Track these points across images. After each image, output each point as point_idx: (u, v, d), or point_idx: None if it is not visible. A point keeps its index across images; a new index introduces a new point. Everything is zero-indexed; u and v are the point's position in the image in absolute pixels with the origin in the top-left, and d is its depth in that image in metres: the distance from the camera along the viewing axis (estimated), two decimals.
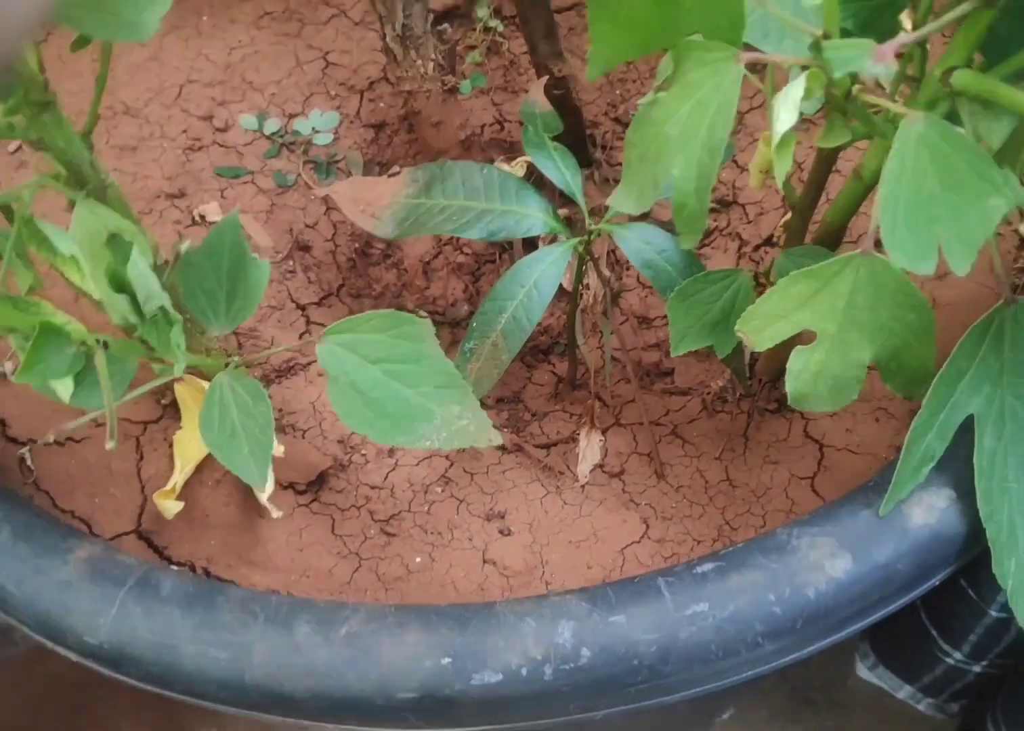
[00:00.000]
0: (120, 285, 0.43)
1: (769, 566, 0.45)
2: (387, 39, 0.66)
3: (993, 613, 0.59)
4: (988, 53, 0.40)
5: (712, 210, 0.74)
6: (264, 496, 0.57)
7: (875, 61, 0.31)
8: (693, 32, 0.41)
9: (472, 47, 0.79)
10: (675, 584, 0.45)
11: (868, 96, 0.37)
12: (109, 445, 0.37)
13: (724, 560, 0.46)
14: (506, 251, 0.73)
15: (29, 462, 0.60)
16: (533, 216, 0.58)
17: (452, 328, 0.72)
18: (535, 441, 0.64)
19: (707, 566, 0.45)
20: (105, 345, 0.41)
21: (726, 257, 0.70)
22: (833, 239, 0.51)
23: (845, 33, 0.39)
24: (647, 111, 0.43)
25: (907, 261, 0.35)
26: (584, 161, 0.75)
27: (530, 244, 0.70)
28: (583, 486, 0.61)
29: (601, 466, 0.62)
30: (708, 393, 0.64)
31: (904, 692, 0.77)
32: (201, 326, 0.50)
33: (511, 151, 0.74)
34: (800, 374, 0.46)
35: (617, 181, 0.76)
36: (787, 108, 0.40)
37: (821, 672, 0.86)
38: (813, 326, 0.45)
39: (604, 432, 0.64)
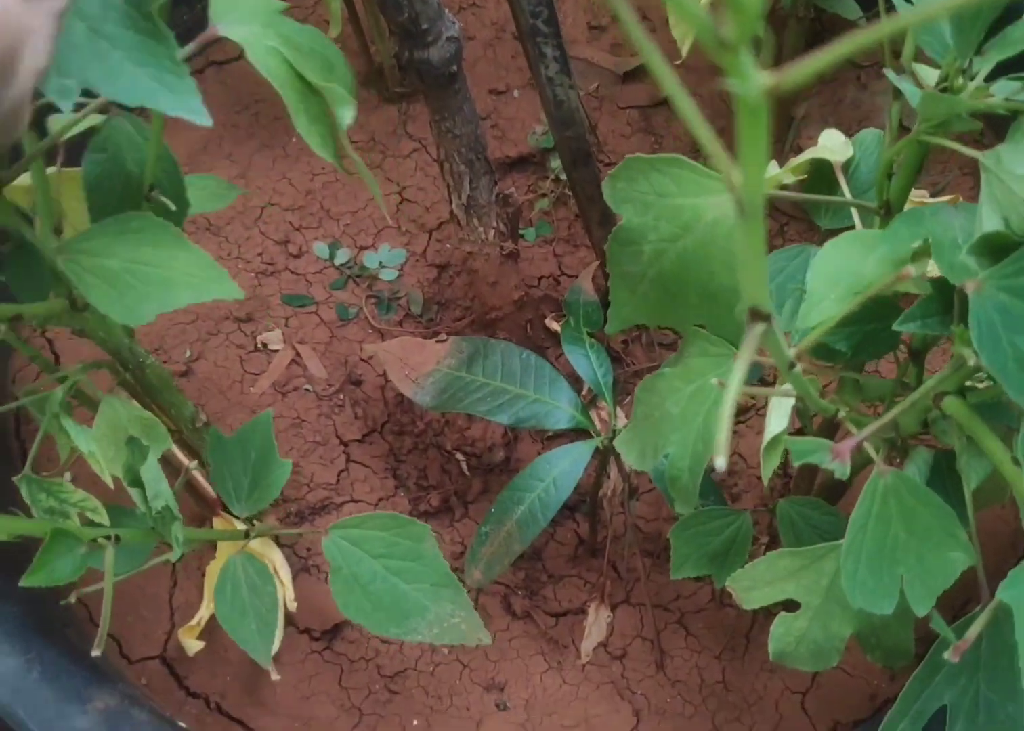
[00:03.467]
0: (135, 480, 0.47)
1: None
2: (453, 206, 0.69)
3: None
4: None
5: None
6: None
7: (832, 458, 0.33)
8: (698, 322, 0.43)
9: (543, 195, 0.82)
10: None
11: (850, 426, 0.38)
12: (95, 652, 0.41)
13: None
14: None
15: None
16: (563, 410, 0.60)
17: (485, 474, 0.75)
18: (546, 607, 0.67)
19: None
20: (117, 539, 0.45)
21: (758, 439, 0.71)
22: (836, 494, 0.52)
23: (839, 354, 0.40)
24: (654, 381, 0.45)
25: (865, 602, 0.37)
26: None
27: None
28: (584, 665, 0.63)
29: (605, 645, 0.65)
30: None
31: None
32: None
33: (562, 309, 0.76)
34: (783, 637, 0.48)
35: (662, 345, 0.78)
36: (778, 416, 0.42)
37: None
38: (797, 597, 0.46)
39: (613, 609, 0.66)
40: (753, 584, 0.47)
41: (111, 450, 0.47)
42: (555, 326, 0.77)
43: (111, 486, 0.48)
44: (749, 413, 0.74)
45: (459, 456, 0.74)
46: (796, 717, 0.59)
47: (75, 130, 0.40)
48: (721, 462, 0.21)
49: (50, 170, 0.41)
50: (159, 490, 0.47)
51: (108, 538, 0.45)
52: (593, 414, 0.66)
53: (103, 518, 0.47)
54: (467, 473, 0.74)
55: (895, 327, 0.36)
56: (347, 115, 0.39)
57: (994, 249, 0.32)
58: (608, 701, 0.61)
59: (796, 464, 0.35)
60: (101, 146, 0.42)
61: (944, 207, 0.38)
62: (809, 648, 0.48)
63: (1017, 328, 0.31)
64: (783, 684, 0.61)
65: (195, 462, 0.50)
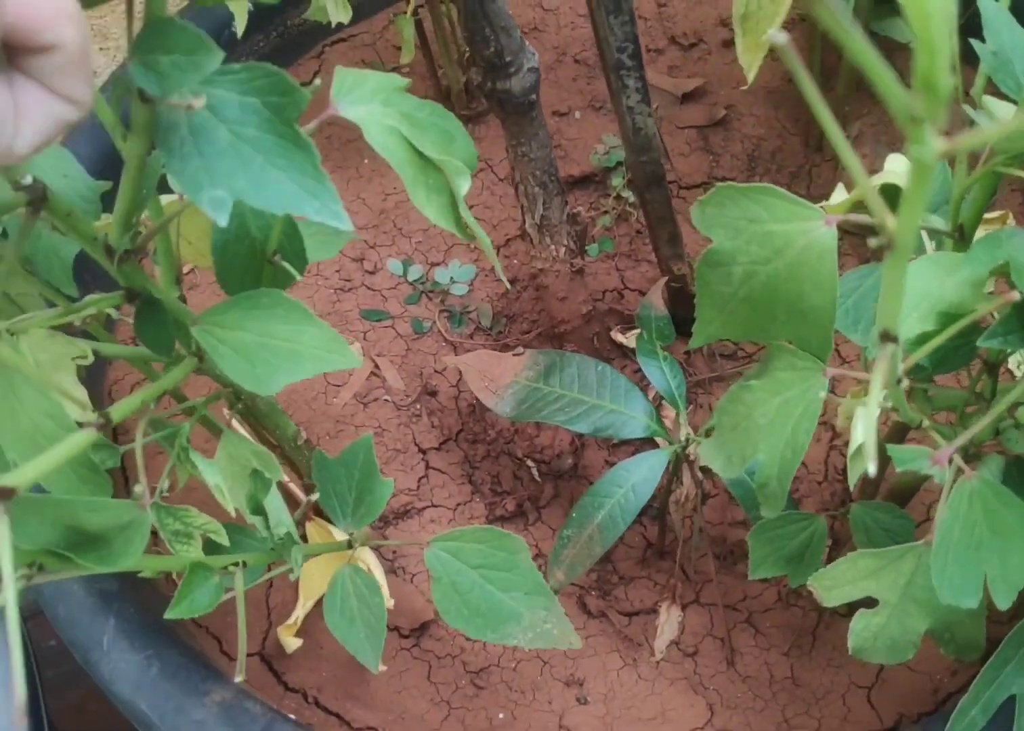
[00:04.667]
0: (257, 508, 0.51)
1: None
2: (526, 225, 0.73)
3: None
4: None
5: None
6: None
7: (932, 464, 0.36)
8: (786, 338, 0.46)
9: (604, 212, 0.86)
10: None
11: (935, 436, 0.42)
12: (238, 678, 0.44)
13: None
14: None
15: None
16: (638, 419, 0.64)
17: (556, 480, 0.78)
18: (619, 607, 0.70)
19: None
20: (244, 565, 0.49)
21: (819, 447, 0.75)
22: (905, 497, 0.56)
23: (921, 369, 0.44)
24: (740, 392, 0.48)
25: (953, 597, 0.40)
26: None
27: None
28: (658, 662, 0.67)
29: (677, 643, 0.68)
30: (785, 585, 0.68)
31: None
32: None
33: (627, 321, 0.80)
34: (861, 632, 0.51)
35: (723, 355, 0.82)
36: (864, 427, 0.45)
37: None
38: (877, 595, 0.50)
39: (684, 608, 0.69)
40: (835, 583, 0.50)
41: (229, 481, 0.50)
42: (620, 338, 0.80)
43: (233, 515, 0.52)
44: None
45: (530, 463, 0.78)
46: (862, 710, 0.62)
47: None
48: (872, 467, 0.24)
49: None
50: (281, 519, 0.51)
51: (236, 564, 0.49)
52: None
53: (224, 540, 0.50)
54: (538, 479, 0.77)
55: (979, 343, 0.40)
56: (464, 186, 0.41)
57: None
58: (683, 695, 0.65)
59: (899, 470, 0.38)
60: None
61: (1019, 231, 0.41)
62: (886, 643, 0.51)
63: None
64: (849, 679, 0.64)
65: (315, 496, 0.54)
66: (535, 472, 0.78)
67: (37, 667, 0.66)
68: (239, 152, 0.32)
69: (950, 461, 0.38)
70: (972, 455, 0.49)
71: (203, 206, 0.32)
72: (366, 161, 0.90)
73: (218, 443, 0.52)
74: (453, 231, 0.42)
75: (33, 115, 0.28)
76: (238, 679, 0.43)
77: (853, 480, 0.45)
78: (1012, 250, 0.41)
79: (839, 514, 0.57)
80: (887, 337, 0.26)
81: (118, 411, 0.38)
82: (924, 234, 0.50)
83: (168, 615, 0.44)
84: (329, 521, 0.67)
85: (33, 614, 0.86)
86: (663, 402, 0.78)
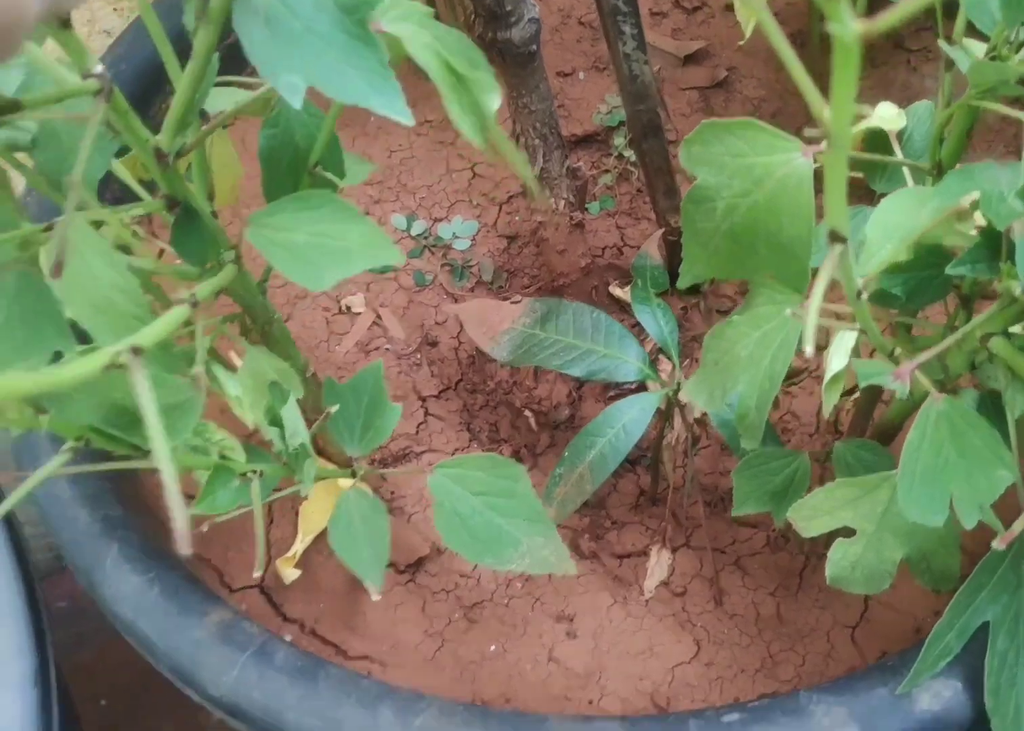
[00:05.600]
0: (274, 420, 0.53)
1: (787, 725, 0.52)
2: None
3: None
4: None
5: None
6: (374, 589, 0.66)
7: (894, 380, 0.37)
8: (767, 272, 0.48)
9: (606, 171, 0.87)
10: (704, 727, 0.52)
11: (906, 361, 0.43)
12: (256, 573, 0.46)
13: (749, 713, 0.52)
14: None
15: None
16: (630, 363, 0.65)
17: (552, 430, 0.80)
18: (611, 550, 0.72)
19: (734, 716, 0.52)
20: (260, 473, 0.51)
21: (811, 400, 0.76)
22: (888, 436, 0.57)
23: (895, 299, 0.45)
24: (723, 328, 0.50)
25: (919, 516, 0.42)
26: (693, 291, 0.82)
27: None
28: (647, 601, 0.69)
29: (666, 583, 0.70)
30: (773, 530, 0.70)
31: None
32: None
33: (626, 276, 0.82)
34: (839, 562, 0.53)
35: (719, 311, 0.83)
36: (839, 355, 0.47)
37: None
38: (854, 524, 0.51)
39: (674, 551, 0.71)
40: (813, 513, 0.52)
41: (251, 396, 0.53)
42: (619, 292, 0.82)
43: (251, 427, 0.54)
44: (802, 375, 0.79)
45: (527, 413, 0.80)
46: (846, 647, 0.64)
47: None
48: (810, 349, 0.26)
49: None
50: (297, 429, 0.53)
51: (254, 472, 0.51)
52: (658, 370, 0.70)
53: (240, 456, 0.52)
54: (535, 429, 0.79)
55: (947, 271, 0.41)
56: (494, 101, 0.42)
57: None
58: (670, 632, 0.67)
59: (861, 384, 0.40)
60: (274, 122, 0.48)
61: (992, 165, 0.43)
62: (863, 572, 0.53)
63: None
64: (834, 618, 0.65)
65: (335, 407, 0.56)
66: (532, 422, 0.80)
67: (49, 629, 0.68)
68: (312, 45, 0.34)
69: (915, 382, 0.39)
70: (949, 390, 0.51)
71: (279, 89, 0.34)
72: (372, 119, 0.92)
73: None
74: (482, 147, 0.43)
75: None
76: (256, 574, 0.46)
77: (828, 409, 0.46)
78: (983, 181, 0.42)
79: (823, 454, 0.59)
80: (836, 237, 0.28)
81: (201, 292, 0.40)
82: (906, 172, 0.51)
83: (194, 509, 0.46)
84: (332, 460, 0.70)
85: (45, 575, 0.89)
86: (660, 355, 0.80)
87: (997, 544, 0.40)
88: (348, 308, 0.82)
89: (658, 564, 0.71)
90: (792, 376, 0.80)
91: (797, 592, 0.67)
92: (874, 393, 0.61)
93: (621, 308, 0.82)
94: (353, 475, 0.60)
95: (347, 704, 0.55)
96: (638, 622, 0.67)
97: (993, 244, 0.41)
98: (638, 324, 0.69)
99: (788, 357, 0.46)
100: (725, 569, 0.69)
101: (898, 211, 0.44)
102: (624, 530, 0.73)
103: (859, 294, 0.35)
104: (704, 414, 0.77)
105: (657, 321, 0.66)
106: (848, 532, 0.53)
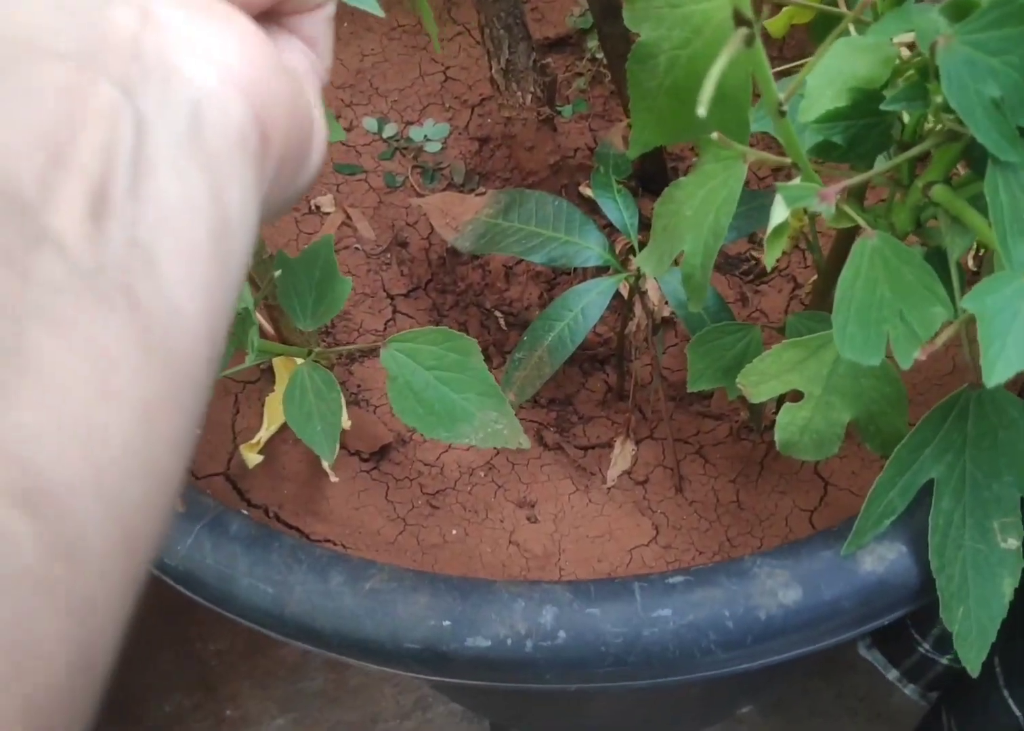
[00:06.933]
0: None
1: (730, 586, 0.52)
2: (492, 71, 0.74)
3: None
4: (972, 167, 0.46)
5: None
6: (327, 464, 0.67)
7: (820, 201, 0.37)
8: (712, 131, 0.48)
9: (579, 74, 0.86)
10: (647, 589, 0.53)
11: (850, 212, 0.43)
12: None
13: (693, 575, 0.53)
14: (580, 269, 0.80)
15: None
16: (591, 249, 0.65)
17: (521, 330, 0.80)
18: (576, 442, 0.73)
19: (678, 578, 0.53)
20: None
21: (780, 297, 0.76)
22: None
23: (834, 147, 0.45)
24: (672, 191, 0.50)
25: (854, 354, 0.42)
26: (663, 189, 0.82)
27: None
28: (609, 488, 0.69)
29: (629, 473, 0.70)
30: (737, 421, 0.71)
31: (892, 674, 0.83)
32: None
33: None
34: (788, 426, 0.53)
35: None
36: (781, 209, 0.46)
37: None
38: (801, 387, 0.52)
39: (638, 443, 0.71)
40: (761, 378, 0.52)
41: None
42: (588, 192, 0.81)
43: None
44: (772, 275, 0.79)
45: (497, 314, 0.80)
46: (804, 531, 0.65)
47: None
48: (703, 110, 0.26)
49: None
50: (242, 295, 0.53)
51: None
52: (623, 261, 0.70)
53: None
54: (504, 328, 0.79)
55: (882, 107, 0.41)
56: None
57: (962, 13, 0.36)
58: (630, 517, 0.67)
59: (789, 208, 0.40)
60: None
61: (929, 6, 0.42)
62: (812, 437, 0.53)
63: (981, 78, 0.35)
64: (793, 503, 0.66)
65: (279, 273, 0.56)
66: (502, 322, 0.80)
67: None
68: None
69: (842, 201, 0.39)
70: None
71: None
72: (345, 25, 0.91)
73: None
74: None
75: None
76: None
77: (770, 261, 0.46)
78: (920, 21, 0.41)
79: (779, 328, 0.59)
80: (740, 20, 0.28)
81: None
82: (851, 29, 0.50)
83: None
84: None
85: None
86: (630, 256, 0.80)
87: (919, 354, 0.40)
88: (318, 208, 0.82)
89: (621, 454, 0.71)
90: (760, 276, 0.80)
91: (757, 479, 0.68)
92: (831, 277, 0.60)
93: (591, 208, 0.81)
94: (308, 354, 0.60)
95: (298, 570, 0.56)
96: (599, 508, 0.68)
97: (928, 79, 0.41)
98: (610, 224, 0.69)
99: (730, 211, 0.46)
100: (687, 458, 0.70)
101: (838, 60, 0.44)
102: (590, 424, 0.74)
103: (780, 108, 0.35)
104: (672, 313, 0.77)
105: (618, 206, 0.66)
106: (798, 397, 0.53)
